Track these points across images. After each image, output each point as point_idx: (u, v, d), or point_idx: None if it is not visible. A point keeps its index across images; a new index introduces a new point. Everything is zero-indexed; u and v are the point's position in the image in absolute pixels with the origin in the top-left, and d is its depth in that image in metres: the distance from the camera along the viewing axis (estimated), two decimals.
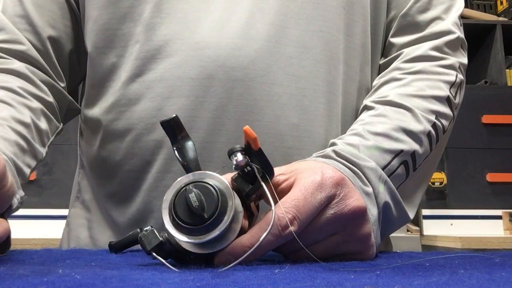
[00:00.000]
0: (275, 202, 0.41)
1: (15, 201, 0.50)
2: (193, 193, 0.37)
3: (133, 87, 0.61)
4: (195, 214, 0.37)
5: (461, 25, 0.69)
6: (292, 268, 0.37)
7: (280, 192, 0.44)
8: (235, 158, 0.40)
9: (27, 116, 0.57)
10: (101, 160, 0.64)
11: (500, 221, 1.94)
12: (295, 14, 0.62)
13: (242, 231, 0.41)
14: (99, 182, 0.66)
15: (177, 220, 0.38)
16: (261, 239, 0.39)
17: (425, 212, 1.96)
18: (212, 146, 0.58)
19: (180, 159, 0.42)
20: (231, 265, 0.36)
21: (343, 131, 0.62)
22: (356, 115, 0.66)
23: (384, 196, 0.51)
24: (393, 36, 0.69)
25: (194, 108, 0.59)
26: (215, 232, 0.38)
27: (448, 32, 0.66)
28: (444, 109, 0.60)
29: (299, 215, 0.41)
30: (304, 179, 0.44)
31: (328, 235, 0.44)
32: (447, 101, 0.61)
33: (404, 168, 0.55)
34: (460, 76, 0.64)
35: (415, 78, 0.62)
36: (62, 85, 0.67)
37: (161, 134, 0.59)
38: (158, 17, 0.61)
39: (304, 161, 0.51)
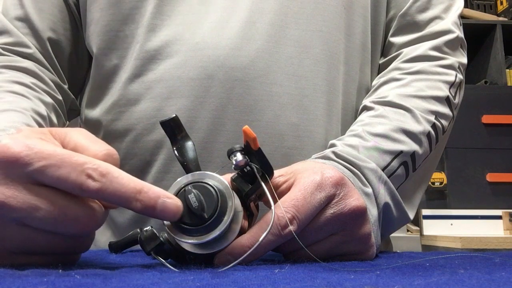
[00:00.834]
0: (275, 202, 0.41)
1: None
2: (192, 193, 0.37)
3: (133, 88, 0.61)
4: (195, 215, 0.37)
5: (460, 25, 0.69)
6: (292, 268, 0.37)
7: (280, 193, 0.44)
8: (235, 158, 0.40)
9: (43, 109, 0.58)
10: None
11: (500, 221, 1.94)
12: (295, 14, 0.62)
13: (242, 231, 0.41)
14: None
15: (177, 220, 0.38)
16: (260, 239, 0.39)
17: (425, 212, 1.96)
18: (212, 146, 0.59)
19: (179, 159, 0.42)
20: (231, 265, 0.36)
21: (343, 131, 0.62)
22: (355, 115, 0.66)
23: (384, 197, 0.51)
24: (393, 35, 0.69)
25: (194, 108, 0.59)
26: (215, 233, 0.38)
27: (448, 32, 0.66)
28: (444, 109, 0.60)
29: (299, 215, 0.41)
30: (304, 179, 0.44)
31: (328, 235, 0.44)
32: (446, 101, 0.61)
33: (404, 168, 0.55)
34: (460, 76, 0.64)
35: (415, 78, 0.62)
36: (65, 86, 0.68)
37: (161, 135, 0.59)
38: (159, 18, 0.61)
39: (303, 162, 0.51)
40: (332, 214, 0.43)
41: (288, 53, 0.61)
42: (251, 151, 0.40)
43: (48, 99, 0.61)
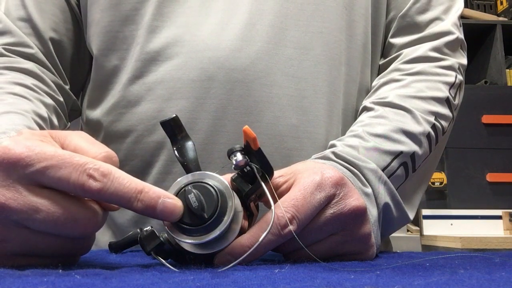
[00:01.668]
0: (275, 202, 0.41)
1: None
2: (192, 193, 0.37)
3: (133, 89, 0.61)
4: (195, 215, 0.37)
5: (460, 26, 0.69)
6: (292, 268, 0.37)
7: (280, 193, 0.44)
8: (235, 158, 0.40)
9: (44, 111, 0.58)
10: None
11: (500, 221, 1.94)
12: (295, 15, 0.62)
13: (242, 231, 0.41)
14: None
15: (177, 220, 0.38)
16: (260, 239, 0.39)
17: (425, 212, 1.96)
18: (212, 147, 0.59)
19: (180, 159, 0.42)
20: (231, 265, 0.36)
21: (344, 132, 0.62)
22: (356, 116, 0.66)
23: (384, 197, 0.51)
24: (393, 36, 0.69)
25: (194, 109, 0.59)
26: (215, 233, 0.38)
27: (448, 33, 0.66)
28: (444, 110, 0.60)
29: (298, 215, 0.41)
30: (304, 179, 0.44)
31: (328, 235, 0.44)
32: (446, 102, 0.61)
33: (404, 169, 0.55)
34: (460, 77, 0.64)
35: (415, 79, 0.62)
36: (67, 87, 0.68)
37: (162, 136, 0.59)
38: (159, 20, 0.61)
39: (303, 162, 0.51)
40: (332, 214, 0.43)
41: (288, 55, 0.61)
42: (251, 151, 0.40)
43: (49, 101, 0.61)
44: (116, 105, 0.63)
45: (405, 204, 0.54)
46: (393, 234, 0.61)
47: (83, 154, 0.36)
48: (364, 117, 0.60)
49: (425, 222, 1.95)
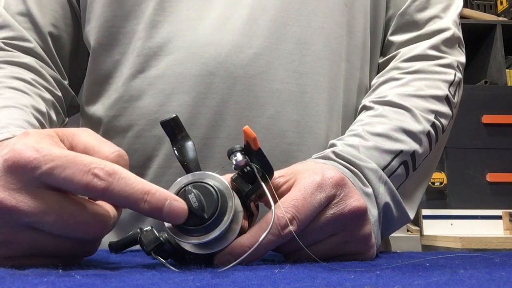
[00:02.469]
0: (275, 202, 0.41)
1: None
2: (192, 193, 0.37)
3: (135, 84, 0.62)
4: (195, 215, 0.37)
5: (459, 24, 0.69)
6: (292, 268, 0.37)
7: (281, 194, 0.44)
8: (235, 158, 0.40)
9: (42, 106, 0.58)
10: None
11: (500, 221, 1.94)
12: (296, 10, 0.62)
13: (242, 231, 0.41)
14: None
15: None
16: (260, 239, 0.39)
17: (425, 212, 1.96)
18: (213, 142, 0.59)
19: (180, 159, 0.42)
20: (231, 265, 0.36)
21: (344, 128, 0.62)
22: (356, 113, 0.66)
23: (384, 197, 0.51)
24: (392, 34, 0.69)
25: (196, 104, 0.59)
26: (215, 233, 0.38)
27: (444, 30, 0.66)
28: (443, 108, 0.60)
29: (298, 215, 0.41)
30: (304, 179, 0.44)
31: (328, 235, 0.44)
32: (446, 100, 0.61)
33: (404, 168, 0.55)
34: (459, 75, 0.65)
35: (414, 77, 0.62)
36: (65, 82, 0.68)
37: (162, 130, 0.59)
38: (161, 15, 0.61)
39: (304, 162, 0.51)
40: (333, 214, 0.43)
41: (289, 50, 0.61)
42: (251, 151, 0.40)
43: (48, 96, 0.62)
44: (118, 100, 0.63)
45: (405, 203, 0.54)
46: (393, 234, 0.61)
47: (94, 153, 0.37)
48: (363, 116, 0.60)
49: (425, 222, 1.95)
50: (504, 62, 2.26)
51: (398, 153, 0.54)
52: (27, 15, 0.64)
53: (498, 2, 2.51)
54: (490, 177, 2.05)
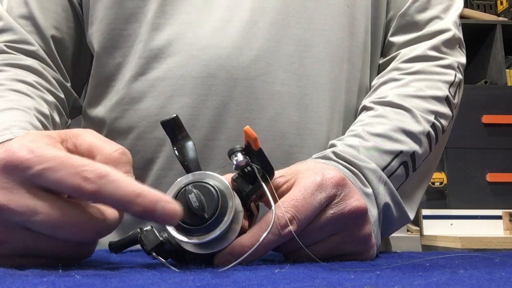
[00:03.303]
0: (275, 202, 0.41)
1: None
2: (193, 193, 0.37)
3: (136, 86, 0.62)
4: (196, 215, 0.37)
5: (459, 25, 0.69)
6: (292, 268, 0.37)
7: (281, 194, 0.44)
8: (235, 158, 0.40)
9: (45, 108, 0.58)
10: None
11: (500, 221, 1.94)
12: (296, 12, 0.62)
13: (242, 231, 0.41)
14: None
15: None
16: (261, 239, 0.39)
17: (425, 212, 1.96)
18: (213, 143, 0.59)
19: (180, 159, 0.42)
20: (231, 265, 0.36)
21: (345, 129, 0.62)
22: (356, 113, 0.66)
23: (384, 197, 0.51)
24: (392, 35, 0.69)
25: (196, 106, 0.59)
26: (216, 233, 0.38)
27: (445, 31, 0.66)
28: (443, 109, 0.60)
29: (298, 215, 0.41)
30: (304, 179, 0.44)
31: (328, 236, 0.44)
32: (446, 101, 0.61)
33: (404, 168, 0.55)
34: (459, 76, 0.65)
35: (414, 78, 0.62)
36: (68, 84, 0.68)
37: (164, 132, 0.59)
38: (162, 18, 0.62)
39: (304, 162, 0.51)
40: (333, 214, 0.43)
41: (289, 52, 0.61)
42: (252, 151, 0.40)
43: (51, 98, 0.62)
44: (119, 102, 0.63)
45: (405, 203, 0.54)
46: (393, 234, 0.61)
47: (98, 152, 0.37)
48: (364, 116, 0.60)
49: (425, 222, 1.95)
50: (504, 62, 2.26)
51: (398, 154, 0.54)
52: (29, 18, 0.64)
53: (498, 2, 2.51)
54: (490, 177, 2.05)
